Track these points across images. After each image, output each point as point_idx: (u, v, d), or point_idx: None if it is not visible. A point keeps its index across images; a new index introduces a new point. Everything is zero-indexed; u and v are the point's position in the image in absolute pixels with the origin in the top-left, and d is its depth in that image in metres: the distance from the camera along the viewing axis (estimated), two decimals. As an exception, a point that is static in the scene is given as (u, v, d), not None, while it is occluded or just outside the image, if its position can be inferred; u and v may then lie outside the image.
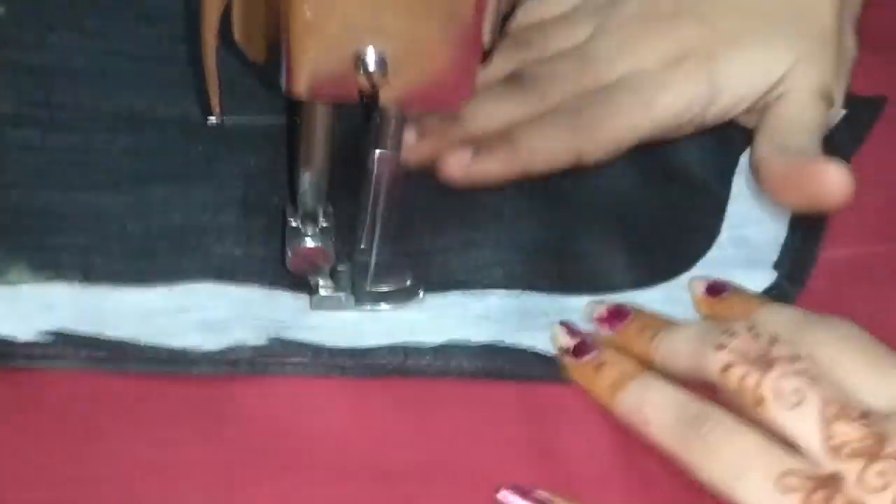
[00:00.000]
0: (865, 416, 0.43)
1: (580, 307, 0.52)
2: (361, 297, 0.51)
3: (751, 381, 0.44)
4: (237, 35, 0.45)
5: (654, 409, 0.46)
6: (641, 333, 0.50)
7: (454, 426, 0.48)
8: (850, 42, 0.60)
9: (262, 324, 0.50)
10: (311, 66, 0.43)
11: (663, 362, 0.48)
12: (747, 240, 0.56)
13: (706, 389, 0.46)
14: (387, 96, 0.44)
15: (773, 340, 0.46)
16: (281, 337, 0.49)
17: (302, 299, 0.51)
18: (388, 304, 0.51)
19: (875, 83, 0.62)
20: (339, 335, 0.50)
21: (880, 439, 0.42)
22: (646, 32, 0.58)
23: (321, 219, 0.49)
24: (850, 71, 0.60)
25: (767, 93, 0.57)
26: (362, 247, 0.50)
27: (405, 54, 0.43)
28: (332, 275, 0.51)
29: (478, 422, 0.48)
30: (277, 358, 0.49)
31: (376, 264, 0.51)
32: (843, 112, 0.60)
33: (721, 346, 0.46)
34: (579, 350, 0.49)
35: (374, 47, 0.43)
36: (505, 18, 0.44)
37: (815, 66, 0.58)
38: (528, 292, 0.52)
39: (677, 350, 0.48)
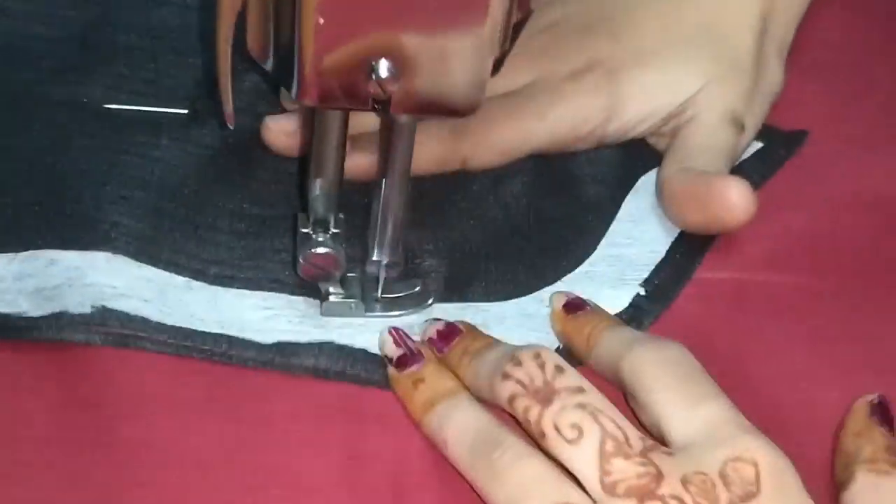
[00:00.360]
0: (647, 452, 0.42)
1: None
2: (371, 303, 0.52)
3: (533, 414, 0.44)
4: (250, 44, 0.45)
5: (454, 431, 0.46)
6: (461, 358, 0.48)
7: (263, 418, 0.48)
8: (774, 71, 0.59)
9: (93, 291, 0.50)
10: (322, 75, 0.43)
11: (471, 388, 0.48)
12: (622, 258, 0.55)
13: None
14: (398, 104, 0.44)
15: (559, 370, 0.45)
16: (106, 305, 0.50)
17: (145, 269, 0.52)
18: (399, 310, 0.52)
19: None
20: (170, 312, 0.50)
21: (657, 477, 0.42)
22: (555, 43, 0.58)
23: (332, 225, 0.50)
24: (769, 100, 0.59)
25: (675, 114, 0.57)
26: (374, 258, 0.50)
27: (417, 62, 0.43)
28: (343, 281, 0.51)
29: (288, 417, 0.48)
30: (99, 328, 0.49)
31: (387, 271, 0.51)
32: (760, 145, 0.60)
33: (507, 376, 0.45)
34: (401, 362, 0.49)
35: (386, 55, 0.43)
36: (517, 27, 0.44)
37: (727, 90, 0.57)
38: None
39: (479, 376, 0.47)
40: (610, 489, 0.42)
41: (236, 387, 0.49)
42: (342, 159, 0.49)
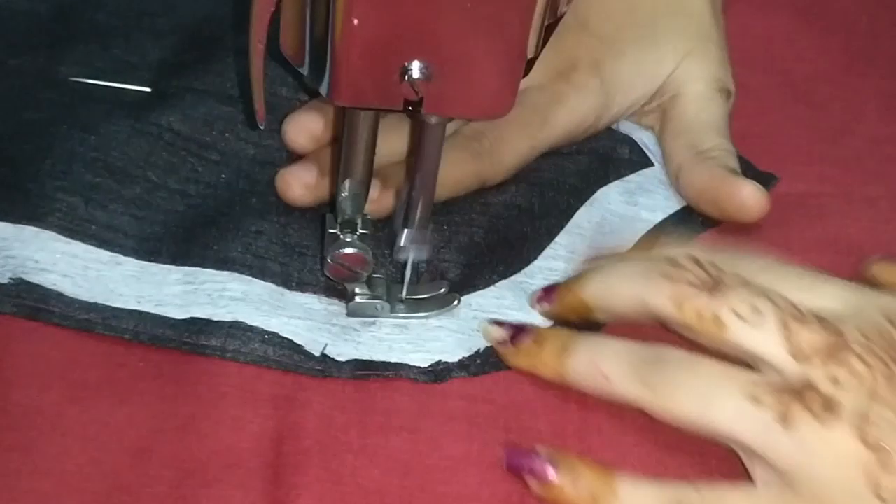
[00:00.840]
0: (820, 320, 0.44)
1: None
2: (396, 304, 0.52)
3: (708, 309, 0.45)
4: (283, 43, 0.45)
5: (610, 363, 0.47)
6: (568, 289, 0.51)
7: (160, 399, 0.48)
8: (722, 27, 0.61)
9: (14, 263, 0.51)
10: (355, 75, 0.44)
11: (599, 303, 0.49)
12: (557, 272, 0.54)
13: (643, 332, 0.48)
14: (430, 105, 0.45)
15: (718, 267, 0.47)
16: (24, 278, 0.51)
17: (73, 245, 0.52)
18: (424, 311, 0.52)
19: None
20: (89, 288, 0.51)
21: (839, 334, 0.43)
22: None
23: (359, 226, 0.50)
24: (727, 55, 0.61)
25: (658, 94, 0.59)
26: (400, 256, 0.51)
27: (450, 64, 0.44)
28: (368, 281, 0.51)
29: (189, 399, 0.49)
30: (13, 299, 0.50)
31: (413, 271, 0.51)
32: None
33: (669, 277, 0.47)
34: (517, 336, 0.50)
35: (419, 57, 0.43)
36: (550, 29, 0.44)
37: (704, 61, 0.59)
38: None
39: (614, 290, 0.49)
40: (800, 356, 0.43)
41: (140, 367, 0.49)
42: (371, 161, 0.49)
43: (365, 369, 0.50)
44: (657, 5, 0.60)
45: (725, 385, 0.44)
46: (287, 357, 0.50)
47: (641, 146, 0.60)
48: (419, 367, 0.50)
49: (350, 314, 0.52)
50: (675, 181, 0.58)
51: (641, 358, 0.46)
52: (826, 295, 0.46)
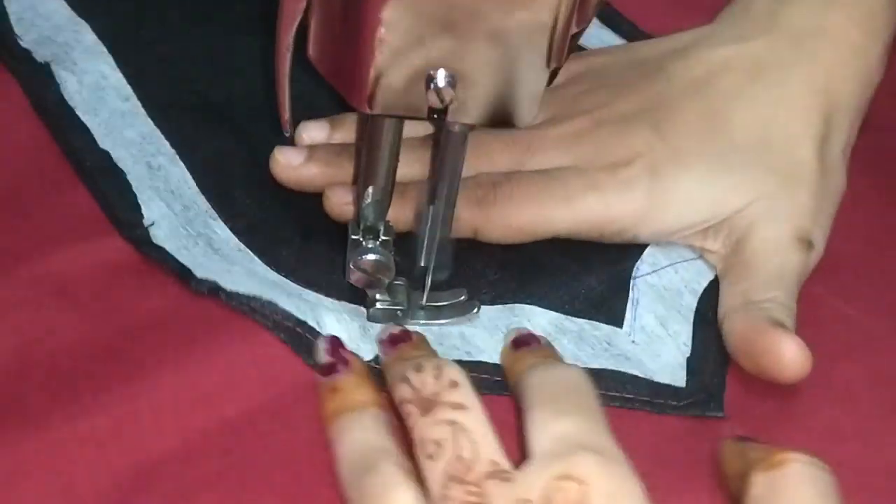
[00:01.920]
0: (486, 478, 0.42)
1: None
2: (417, 311, 0.52)
3: (411, 421, 0.44)
4: (311, 51, 0.46)
5: (342, 448, 0.45)
6: (394, 363, 0.48)
7: None
8: (838, 176, 0.56)
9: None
10: (381, 83, 0.44)
11: (390, 392, 0.47)
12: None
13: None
14: (454, 113, 0.45)
15: (453, 385, 0.44)
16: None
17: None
18: (444, 318, 0.52)
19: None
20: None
21: None
22: (595, 129, 0.55)
23: (382, 233, 0.51)
24: (835, 207, 0.55)
25: (722, 227, 0.54)
26: (421, 264, 0.51)
27: (474, 73, 0.44)
28: (389, 288, 0.52)
29: None
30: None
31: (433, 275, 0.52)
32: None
33: (404, 379, 0.45)
34: (326, 370, 0.48)
35: (445, 65, 0.44)
36: (574, 38, 0.45)
37: (788, 205, 0.53)
38: None
39: (392, 378, 0.47)
40: None
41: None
42: (395, 168, 0.50)
43: None
44: (748, 133, 0.55)
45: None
46: None
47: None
48: None
49: (370, 320, 0.52)
50: (721, 326, 0.53)
51: (366, 459, 0.44)
52: (546, 434, 0.43)
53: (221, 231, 0.54)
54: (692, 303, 0.55)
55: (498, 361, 0.51)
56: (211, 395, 0.47)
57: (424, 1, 0.42)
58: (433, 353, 0.50)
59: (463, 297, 0.53)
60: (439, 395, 0.44)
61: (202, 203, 0.54)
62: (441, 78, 0.44)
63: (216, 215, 0.54)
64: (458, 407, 0.44)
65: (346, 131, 0.56)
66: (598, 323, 0.53)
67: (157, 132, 0.57)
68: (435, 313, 0.52)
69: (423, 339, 0.50)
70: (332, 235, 0.54)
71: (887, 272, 0.57)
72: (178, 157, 0.56)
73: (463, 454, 0.42)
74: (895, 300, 0.56)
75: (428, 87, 0.44)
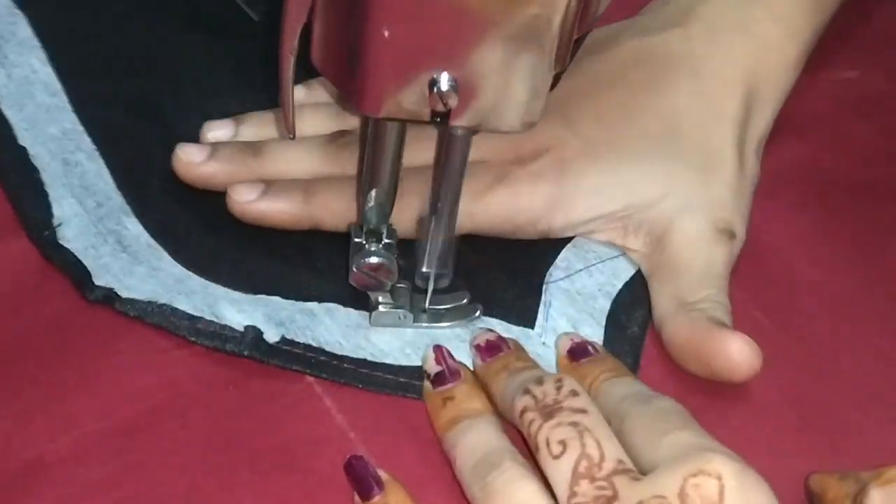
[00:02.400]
0: (613, 475, 0.42)
1: None
2: (419, 314, 0.52)
3: (534, 427, 0.44)
4: (314, 56, 0.46)
5: (463, 449, 0.46)
6: (500, 372, 0.49)
7: None
8: (754, 165, 0.55)
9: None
10: (384, 85, 0.44)
11: (499, 403, 0.48)
12: None
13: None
14: (457, 117, 0.45)
15: (573, 394, 0.45)
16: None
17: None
18: (447, 321, 0.52)
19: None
20: None
21: (609, 500, 0.42)
22: None
23: (385, 236, 0.51)
24: (751, 197, 0.55)
25: (639, 219, 0.54)
26: (423, 269, 0.51)
27: (478, 77, 0.44)
28: (392, 291, 0.52)
29: None
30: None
31: (435, 282, 0.52)
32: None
33: (526, 391, 0.46)
34: (438, 379, 0.49)
35: (448, 69, 0.44)
36: (578, 42, 0.45)
37: (705, 195, 0.53)
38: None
39: (507, 390, 0.47)
40: None
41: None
42: (398, 171, 0.50)
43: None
44: (662, 124, 0.54)
45: None
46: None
47: None
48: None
49: (373, 323, 0.52)
50: (658, 331, 0.53)
51: (487, 458, 0.45)
52: (662, 446, 0.44)
53: (133, 227, 0.54)
54: (605, 306, 0.54)
55: (404, 363, 0.51)
56: (108, 398, 0.48)
57: (428, 4, 0.43)
58: (535, 363, 0.50)
59: (465, 301, 0.53)
60: (561, 403, 0.45)
61: (117, 199, 0.55)
62: (444, 81, 0.44)
63: (130, 211, 0.54)
64: (581, 411, 0.44)
65: (251, 129, 0.56)
66: (509, 324, 0.53)
67: (80, 128, 0.57)
68: (437, 317, 0.53)
69: (520, 346, 0.51)
70: (241, 233, 0.54)
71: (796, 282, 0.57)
72: (97, 153, 0.56)
73: (589, 452, 0.43)
74: (804, 308, 0.56)
75: (431, 91, 0.44)
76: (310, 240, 0.54)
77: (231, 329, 0.50)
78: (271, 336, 0.50)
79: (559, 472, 0.43)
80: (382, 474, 0.46)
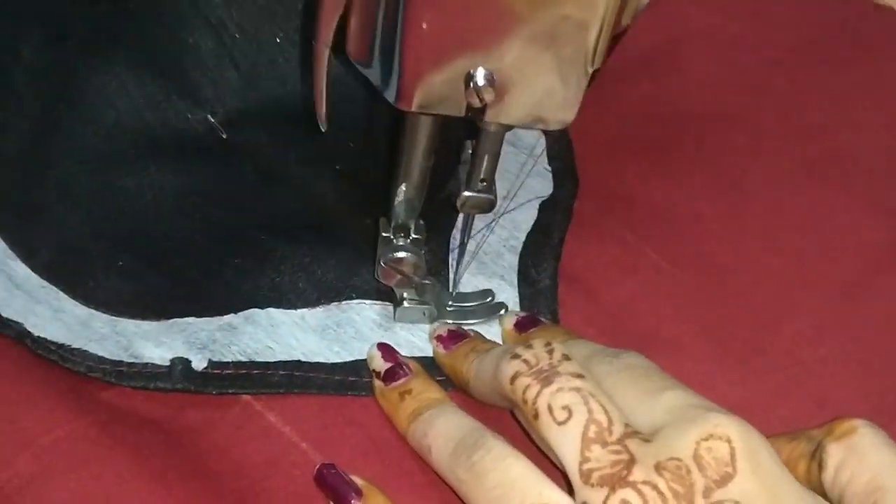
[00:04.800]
0: (625, 438, 0.42)
1: None
2: (444, 310, 0.52)
3: (531, 392, 0.44)
4: (350, 47, 0.46)
5: (437, 436, 0.46)
6: (468, 354, 0.49)
7: None
8: None
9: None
10: (421, 79, 0.44)
11: (475, 382, 0.48)
12: None
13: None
14: (492, 113, 0.45)
15: (566, 357, 0.45)
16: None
17: None
18: (472, 319, 0.52)
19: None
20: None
21: (629, 464, 0.42)
22: None
23: (413, 231, 0.51)
24: None
25: None
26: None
27: (514, 73, 0.44)
28: (418, 286, 0.52)
29: None
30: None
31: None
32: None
33: (515, 356, 0.45)
34: (388, 376, 0.49)
35: (485, 64, 0.44)
36: (616, 39, 0.45)
37: None
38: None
39: (485, 368, 0.47)
40: (585, 477, 0.42)
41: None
42: (428, 167, 0.50)
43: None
44: None
45: (514, 494, 0.42)
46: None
47: None
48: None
49: (398, 319, 0.52)
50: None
51: (465, 440, 0.45)
52: (658, 408, 0.44)
53: (21, 269, 0.53)
54: (514, 262, 0.55)
55: (335, 360, 0.51)
56: (24, 431, 0.47)
57: None
58: (498, 344, 0.51)
59: (490, 299, 0.53)
60: (557, 367, 0.44)
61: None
62: (480, 77, 0.44)
63: (13, 255, 0.53)
64: (578, 376, 0.44)
65: None
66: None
67: None
68: (462, 315, 0.53)
69: (481, 335, 0.51)
70: (140, 263, 0.53)
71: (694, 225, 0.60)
72: None
73: (597, 417, 0.43)
74: (702, 252, 0.58)
75: (467, 86, 0.44)
76: (196, 250, 0.53)
77: (154, 365, 0.49)
78: (198, 363, 0.49)
79: (567, 438, 0.43)
80: (358, 480, 0.46)
